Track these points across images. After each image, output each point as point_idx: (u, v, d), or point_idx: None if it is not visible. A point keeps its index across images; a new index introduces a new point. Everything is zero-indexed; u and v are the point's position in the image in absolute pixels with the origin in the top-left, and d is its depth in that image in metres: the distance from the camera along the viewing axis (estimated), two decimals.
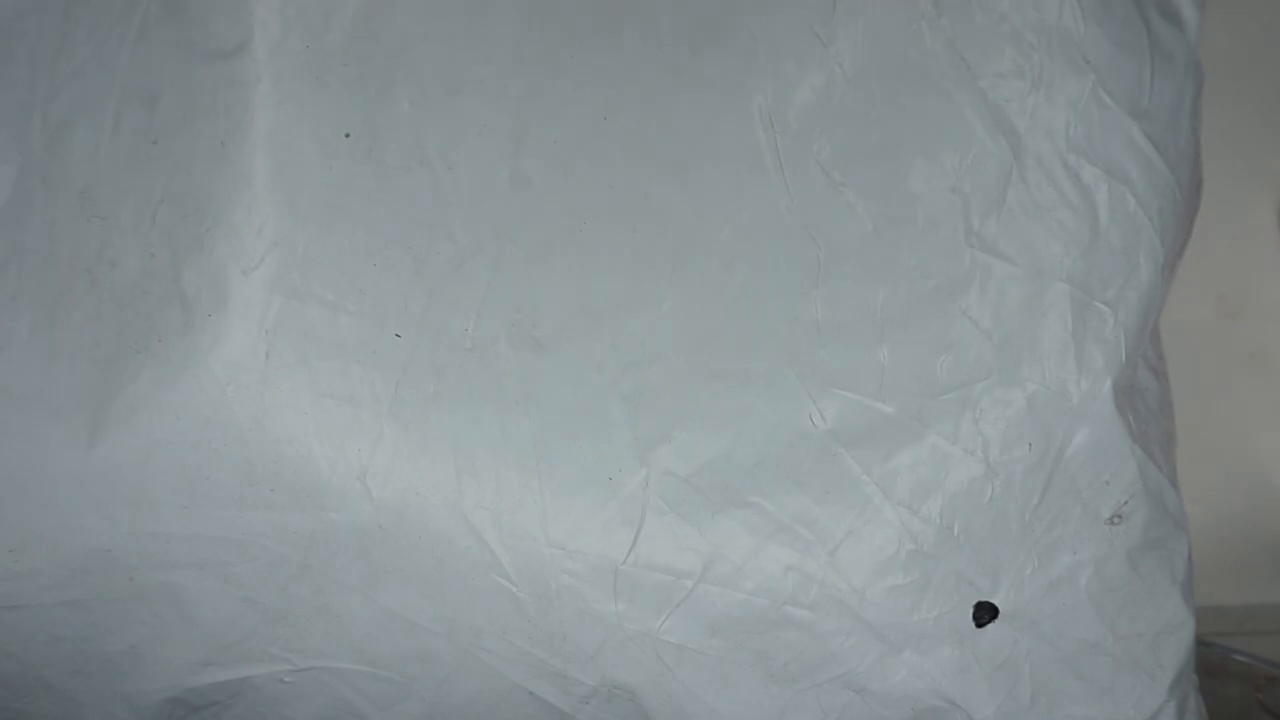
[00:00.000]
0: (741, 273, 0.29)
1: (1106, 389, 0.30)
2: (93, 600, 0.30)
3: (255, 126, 0.27)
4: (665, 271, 0.29)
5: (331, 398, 0.28)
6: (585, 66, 0.28)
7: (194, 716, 0.32)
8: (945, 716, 0.31)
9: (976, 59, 0.29)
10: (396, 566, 0.29)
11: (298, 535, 0.29)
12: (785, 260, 0.29)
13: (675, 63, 0.28)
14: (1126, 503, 0.31)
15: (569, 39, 0.29)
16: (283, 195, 0.27)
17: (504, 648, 0.30)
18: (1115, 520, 0.31)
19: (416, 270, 0.28)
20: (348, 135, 0.28)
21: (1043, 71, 0.29)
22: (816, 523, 0.29)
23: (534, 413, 0.29)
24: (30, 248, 0.28)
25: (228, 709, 0.31)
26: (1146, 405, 0.32)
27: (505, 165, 0.28)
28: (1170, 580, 0.32)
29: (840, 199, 0.28)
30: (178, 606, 0.30)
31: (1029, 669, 0.31)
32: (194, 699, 0.31)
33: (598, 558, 0.29)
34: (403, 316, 0.28)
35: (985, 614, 0.30)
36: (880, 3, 0.29)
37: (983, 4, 0.29)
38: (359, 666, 0.30)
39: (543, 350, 0.28)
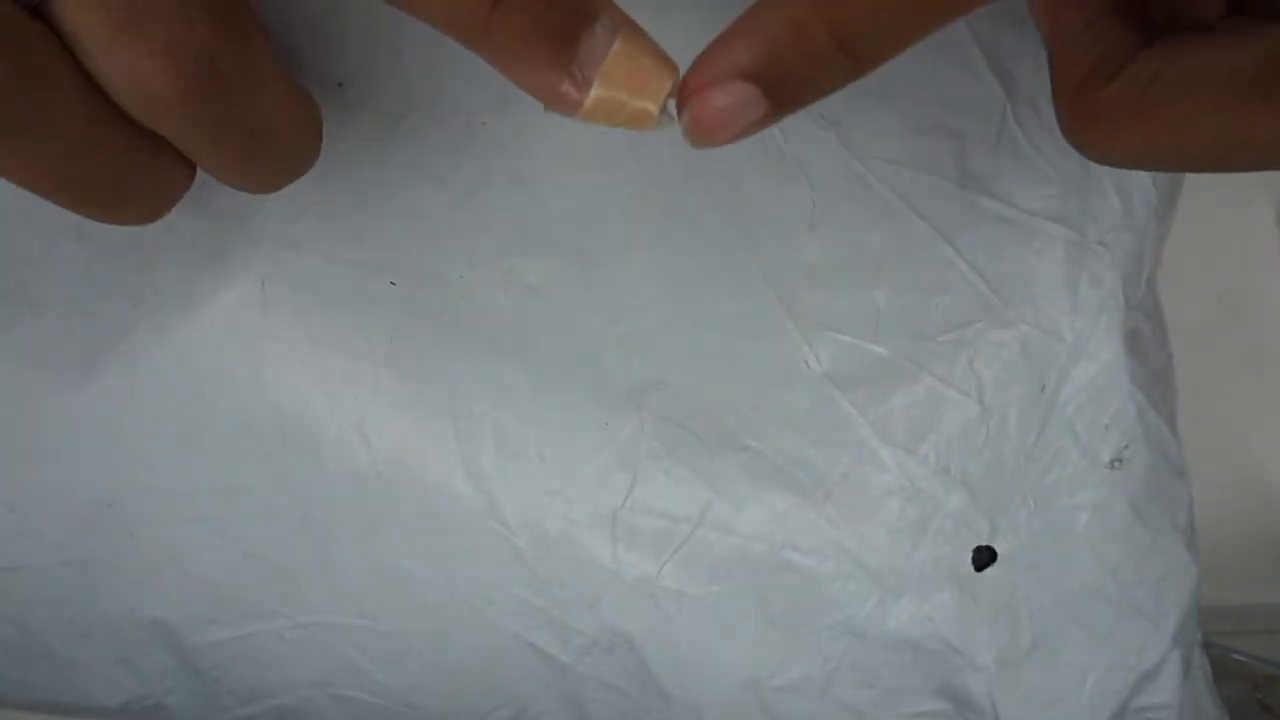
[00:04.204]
0: (735, 216, 0.29)
1: (1103, 329, 0.30)
2: (93, 559, 0.30)
3: None
4: (658, 215, 0.29)
5: (328, 347, 0.28)
6: None
7: (197, 679, 0.32)
8: (946, 661, 0.30)
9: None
10: (395, 515, 0.29)
11: (296, 485, 0.29)
12: (779, 202, 0.29)
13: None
14: (1127, 447, 0.31)
15: None
16: None
17: (503, 597, 0.30)
18: (1116, 464, 0.30)
19: (409, 217, 0.28)
20: (340, 84, 0.28)
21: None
22: (812, 465, 0.29)
23: (529, 359, 0.29)
24: (13, 205, 0.28)
25: (229, 672, 0.31)
26: (1145, 352, 0.32)
27: (496, 112, 0.28)
28: (1172, 527, 0.32)
29: (835, 140, 0.29)
30: (177, 563, 0.30)
31: (1028, 614, 0.30)
32: (198, 661, 0.31)
33: (595, 503, 0.29)
34: (397, 264, 0.28)
35: (984, 557, 0.30)
36: None
37: None
38: (359, 621, 0.30)
39: (536, 296, 0.29)
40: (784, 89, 0.19)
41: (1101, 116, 0.22)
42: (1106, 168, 0.29)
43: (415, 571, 0.29)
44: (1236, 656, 0.46)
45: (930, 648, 0.30)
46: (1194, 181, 0.33)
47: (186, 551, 0.30)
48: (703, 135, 0.19)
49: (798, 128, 0.29)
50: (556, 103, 0.20)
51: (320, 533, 0.29)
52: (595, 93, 0.19)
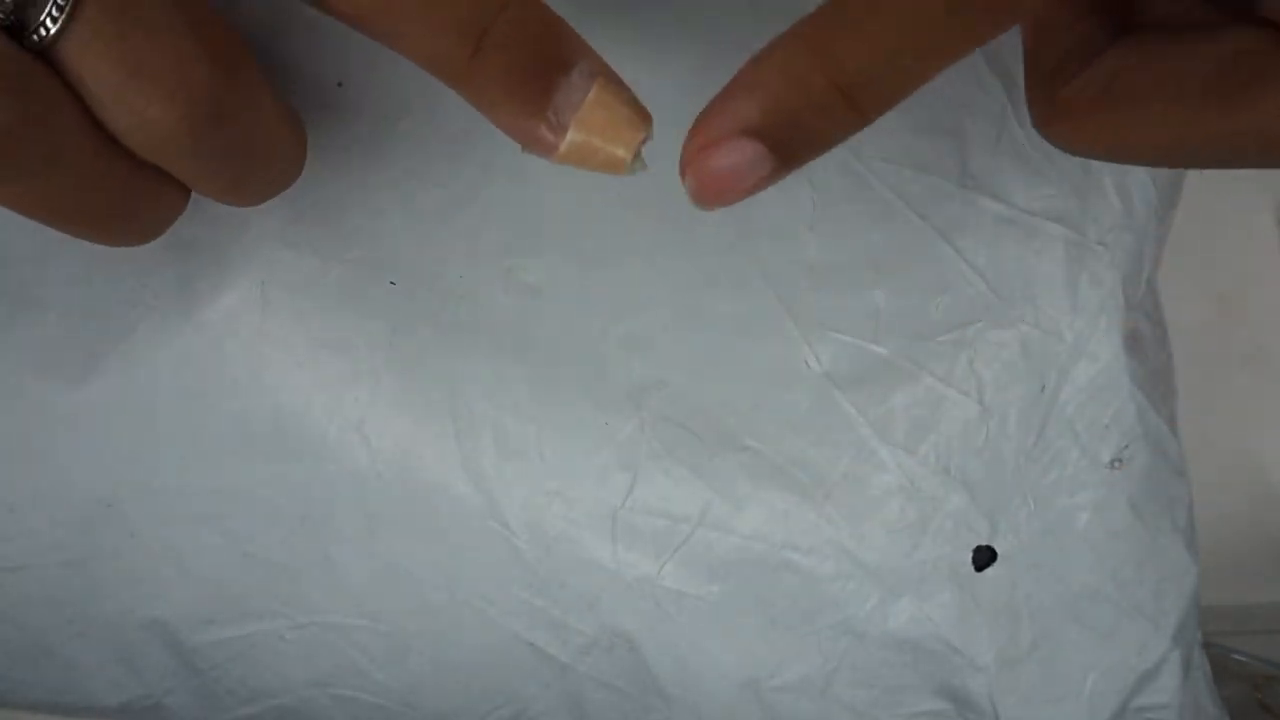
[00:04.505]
0: (735, 216, 0.29)
1: (1103, 329, 0.30)
2: (93, 559, 0.30)
3: None
4: (658, 215, 0.29)
5: (328, 347, 0.28)
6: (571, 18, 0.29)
7: (197, 679, 0.32)
8: (946, 661, 0.30)
9: None
10: (395, 516, 0.29)
11: (296, 486, 0.29)
12: (779, 203, 0.29)
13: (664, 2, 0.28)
14: (1127, 447, 0.31)
15: None
16: None
17: (503, 597, 0.30)
18: (1116, 464, 0.31)
19: (409, 218, 0.28)
20: (340, 84, 0.28)
21: None
22: (813, 466, 0.29)
23: (529, 359, 0.29)
24: None
25: (229, 672, 0.31)
26: (1145, 352, 0.32)
27: None
28: (1172, 527, 0.32)
29: None
30: (178, 563, 0.30)
31: (1029, 614, 0.30)
32: (198, 661, 0.31)
33: (595, 503, 0.29)
34: (397, 264, 0.28)
35: (984, 557, 0.30)
36: None
37: None
38: (359, 621, 0.30)
39: (536, 296, 0.29)
40: (789, 144, 0.19)
41: (1068, 110, 0.23)
42: (1107, 167, 0.29)
43: (415, 571, 0.29)
44: (1236, 656, 0.46)
45: (930, 648, 0.30)
46: (1194, 181, 0.33)
47: (186, 551, 0.30)
48: (709, 197, 0.19)
49: None
50: (532, 145, 0.20)
51: (320, 533, 0.29)
52: (570, 138, 0.20)
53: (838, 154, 0.29)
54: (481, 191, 0.28)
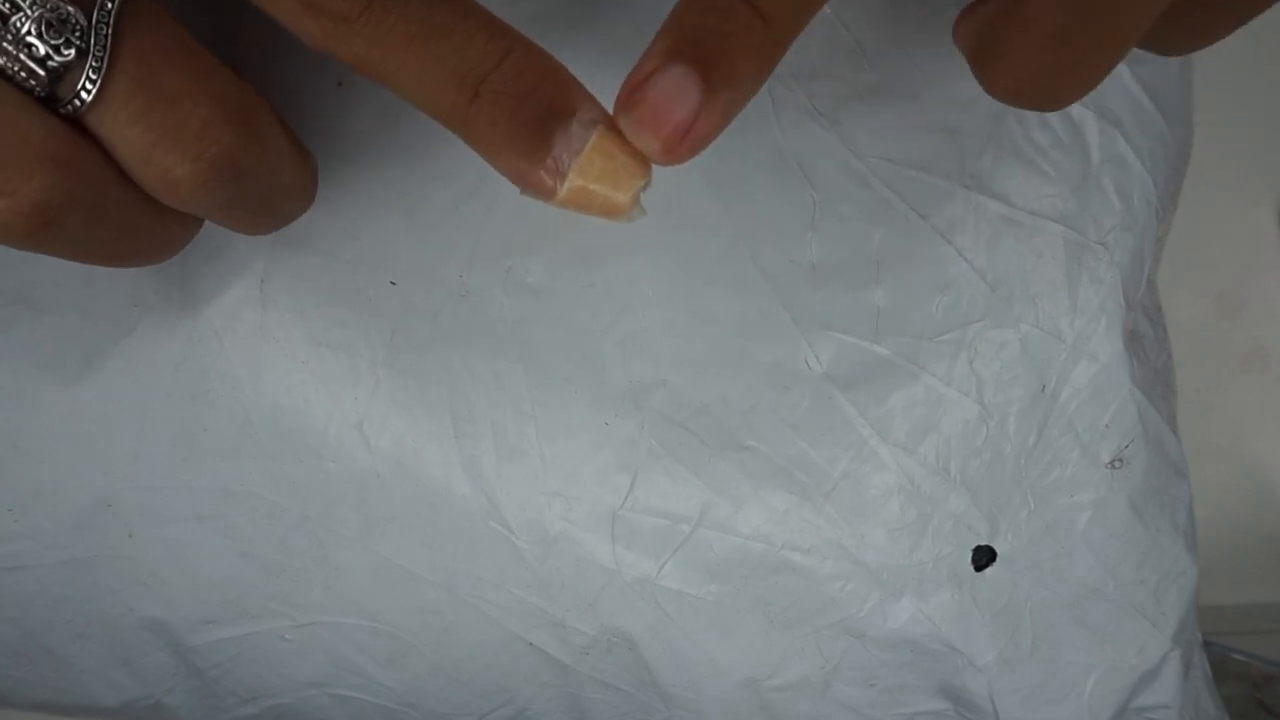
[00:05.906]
0: (735, 216, 0.29)
1: (1103, 329, 0.30)
2: (93, 559, 0.30)
3: (247, 76, 0.27)
4: (658, 215, 0.29)
5: (328, 346, 0.28)
6: (579, 13, 0.29)
7: (196, 679, 0.32)
8: (946, 661, 0.30)
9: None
10: (394, 515, 0.29)
11: (295, 485, 0.29)
12: (780, 203, 0.29)
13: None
14: (1127, 447, 0.31)
15: None
16: None
17: (503, 597, 0.30)
18: (1116, 464, 0.30)
19: (409, 216, 0.28)
20: (340, 84, 0.28)
21: None
22: (813, 466, 0.29)
23: (528, 358, 0.29)
24: None
25: (229, 672, 0.31)
26: (1145, 352, 0.32)
27: None
28: (1173, 527, 0.32)
29: (836, 140, 0.29)
30: (177, 562, 0.30)
31: (1029, 614, 0.30)
32: (197, 661, 0.31)
33: (595, 503, 0.29)
34: (397, 263, 0.28)
35: (984, 557, 0.30)
36: None
37: None
38: (359, 621, 0.30)
39: (536, 296, 0.29)
40: (704, 60, 0.19)
41: (971, 51, 0.23)
42: (1107, 166, 0.29)
43: (415, 571, 0.29)
44: (1236, 656, 0.46)
45: (930, 648, 0.30)
46: (1194, 181, 0.33)
47: (186, 551, 0.30)
48: (652, 141, 0.19)
49: (798, 127, 0.29)
50: (531, 189, 0.20)
51: (320, 532, 0.29)
52: (570, 183, 0.20)
53: (838, 154, 0.29)
54: (482, 190, 0.28)
